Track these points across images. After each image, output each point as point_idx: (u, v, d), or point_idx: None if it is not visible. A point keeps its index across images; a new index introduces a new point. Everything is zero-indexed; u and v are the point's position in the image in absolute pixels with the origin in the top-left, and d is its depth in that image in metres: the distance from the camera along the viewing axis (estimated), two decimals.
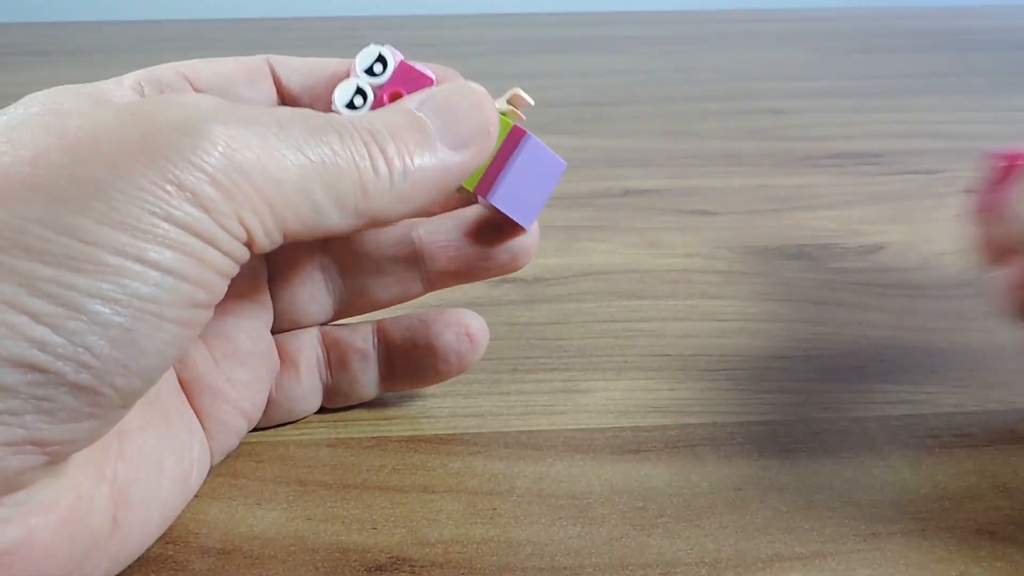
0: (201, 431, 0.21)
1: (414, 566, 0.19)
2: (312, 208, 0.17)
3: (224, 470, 0.22)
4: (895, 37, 0.93)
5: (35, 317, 0.14)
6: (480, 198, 0.21)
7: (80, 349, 0.14)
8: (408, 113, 0.19)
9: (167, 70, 0.21)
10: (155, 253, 0.14)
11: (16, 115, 0.16)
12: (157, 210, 0.14)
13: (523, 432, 0.24)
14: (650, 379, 0.26)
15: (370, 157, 0.17)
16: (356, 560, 0.19)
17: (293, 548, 0.20)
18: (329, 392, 0.24)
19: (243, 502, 0.21)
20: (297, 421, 0.24)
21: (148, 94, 0.20)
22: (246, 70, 0.21)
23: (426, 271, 0.24)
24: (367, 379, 0.24)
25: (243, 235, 0.16)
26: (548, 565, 0.19)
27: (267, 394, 0.23)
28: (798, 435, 0.24)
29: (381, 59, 0.21)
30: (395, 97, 0.21)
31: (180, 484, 0.20)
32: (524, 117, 0.22)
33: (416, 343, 0.24)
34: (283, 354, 0.23)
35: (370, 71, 0.21)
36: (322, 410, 0.25)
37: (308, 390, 0.24)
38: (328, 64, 0.22)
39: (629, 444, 0.23)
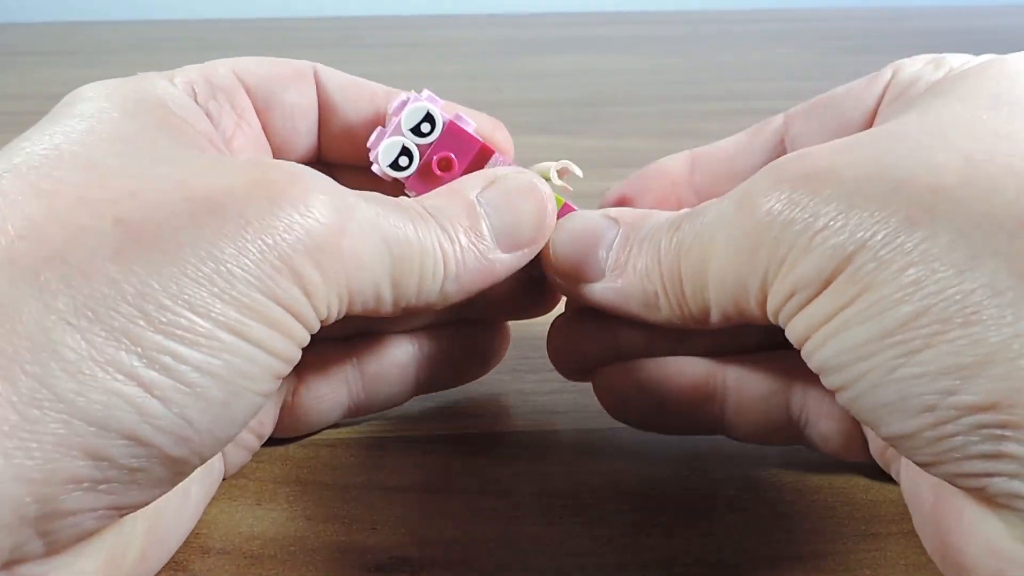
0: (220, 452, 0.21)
1: (414, 566, 0.19)
2: (375, 298, 0.17)
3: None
4: (895, 37, 0.93)
5: (149, 389, 0.14)
6: None
7: (182, 423, 0.14)
8: (469, 208, 0.19)
9: (221, 70, 0.21)
10: (258, 331, 0.15)
11: (136, 159, 0.16)
12: (267, 289, 0.15)
13: (523, 432, 0.24)
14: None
15: (434, 257, 0.18)
16: (356, 560, 0.19)
17: (293, 548, 0.20)
18: (358, 406, 0.23)
19: (243, 502, 0.21)
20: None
21: (202, 97, 0.20)
22: (296, 77, 0.22)
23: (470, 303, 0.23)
24: (406, 389, 0.24)
25: (325, 315, 0.16)
26: (548, 565, 0.19)
27: (276, 410, 0.22)
28: None
29: (429, 118, 0.21)
30: (444, 163, 0.21)
31: (201, 505, 0.20)
32: (572, 188, 0.22)
33: (462, 352, 0.24)
34: (306, 367, 0.22)
35: (416, 130, 0.21)
36: None
37: (330, 405, 0.23)
38: (370, 87, 0.22)
39: (629, 444, 0.23)
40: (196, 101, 0.20)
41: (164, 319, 0.14)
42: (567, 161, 0.22)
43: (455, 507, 0.21)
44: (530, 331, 0.30)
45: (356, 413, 0.24)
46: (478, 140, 0.21)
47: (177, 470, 0.15)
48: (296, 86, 0.22)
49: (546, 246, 0.20)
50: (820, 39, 0.92)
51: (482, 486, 0.22)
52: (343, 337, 0.23)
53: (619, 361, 0.22)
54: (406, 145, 0.21)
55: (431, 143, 0.21)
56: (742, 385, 0.21)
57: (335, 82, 0.22)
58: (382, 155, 0.21)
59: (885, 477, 0.22)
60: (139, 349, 0.14)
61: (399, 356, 0.23)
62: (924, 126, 0.16)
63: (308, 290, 0.15)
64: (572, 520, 0.21)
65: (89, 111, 0.17)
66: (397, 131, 0.21)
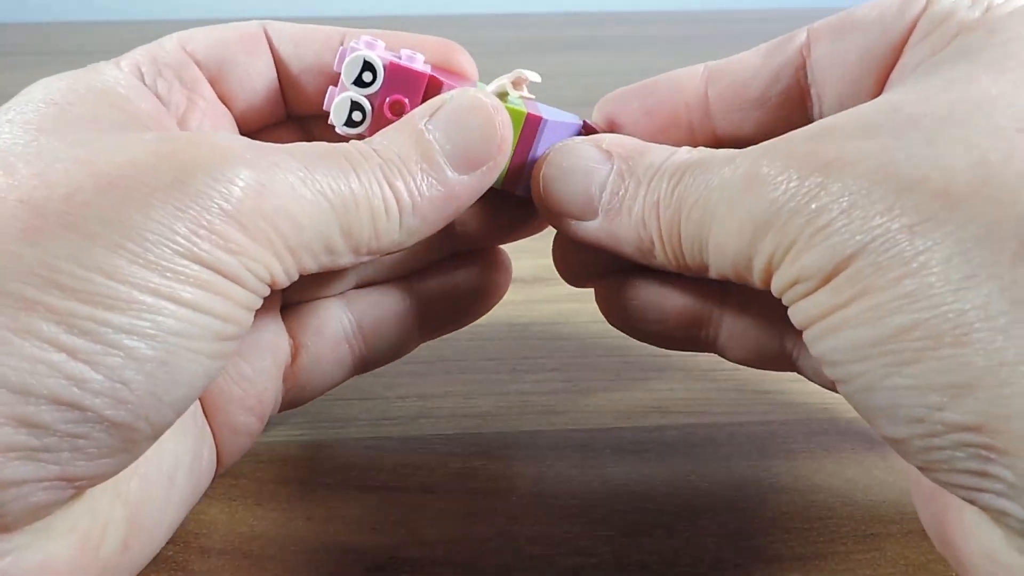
0: (211, 436, 0.20)
1: (414, 566, 0.19)
2: (327, 250, 0.17)
3: (224, 469, 0.22)
4: None
5: (73, 354, 0.14)
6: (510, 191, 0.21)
7: (118, 385, 0.14)
8: (416, 135, 0.18)
9: (168, 46, 0.20)
10: (186, 292, 0.15)
11: (47, 144, 0.16)
12: (188, 252, 0.15)
13: (523, 432, 0.24)
14: (650, 379, 0.26)
15: (383, 197, 0.17)
16: (356, 560, 0.19)
17: (293, 548, 0.20)
18: (363, 360, 0.23)
19: (243, 502, 0.21)
20: (298, 421, 0.24)
21: (149, 78, 0.20)
22: (245, 40, 0.21)
23: (455, 235, 0.23)
24: (408, 338, 0.24)
25: (267, 276, 0.16)
26: (548, 565, 0.19)
27: (277, 385, 0.22)
28: (798, 435, 0.24)
29: (369, 66, 0.20)
30: (397, 106, 0.20)
31: (189, 496, 0.19)
32: (533, 96, 0.21)
33: (459, 290, 0.24)
34: (303, 330, 0.22)
35: (359, 81, 0.20)
36: (322, 410, 0.25)
37: (333, 366, 0.23)
38: (321, 32, 0.22)
39: (629, 444, 0.23)
40: (143, 80, 0.20)
41: (79, 287, 0.14)
42: (519, 70, 0.21)
43: (455, 507, 0.21)
44: (530, 331, 0.30)
45: (363, 368, 0.23)
46: (424, 74, 0.20)
47: (124, 436, 0.15)
48: (246, 49, 0.21)
49: (535, 179, 0.20)
50: None
51: (482, 486, 0.22)
52: (336, 294, 0.23)
53: (620, 272, 0.22)
54: (355, 99, 0.20)
55: (377, 91, 0.20)
56: (737, 315, 0.21)
57: (286, 35, 0.22)
58: (334, 115, 0.20)
59: (885, 477, 0.22)
60: (56, 316, 0.14)
61: (395, 304, 0.23)
62: (944, 108, 0.16)
63: (235, 251, 0.15)
64: (572, 520, 0.21)
65: (16, 104, 0.17)
66: (343, 87, 0.20)
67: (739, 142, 0.20)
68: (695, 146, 0.20)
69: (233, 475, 0.22)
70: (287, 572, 0.19)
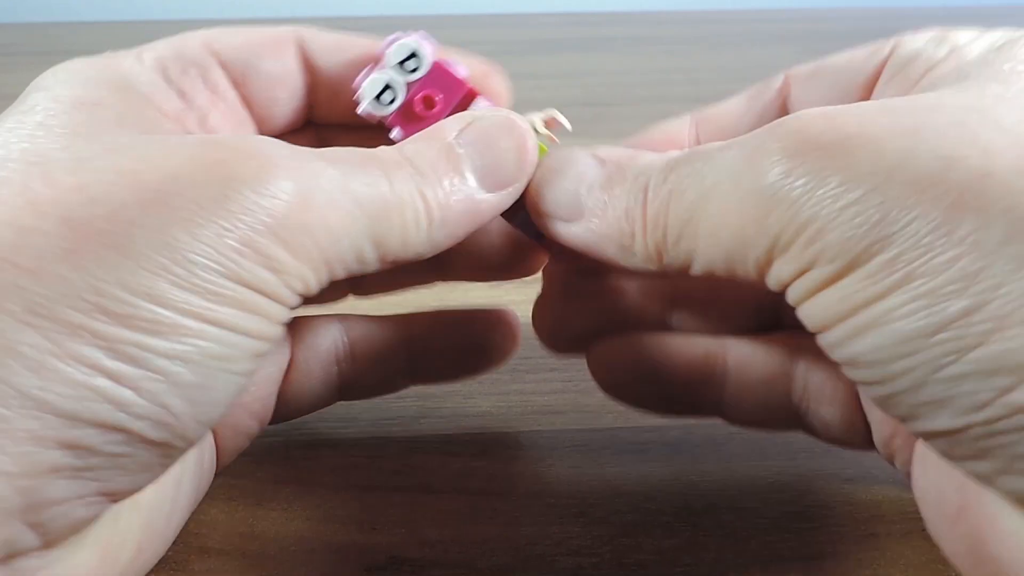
0: (212, 439, 0.20)
1: (414, 566, 0.19)
2: (358, 260, 0.17)
3: (224, 470, 0.22)
4: (895, 37, 0.93)
5: (118, 380, 0.14)
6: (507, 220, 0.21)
7: (160, 409, 0.14)
8: (447, 150, 0.18)
9: (192, 44, 0.20)
10: (228, 315, 0.15)
11: (84, 150, 0.15)
12: (231, 273, 0.15)
13: (523, 432, 0.24)
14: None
15: (415, 208, 0.17)
16: (356, 560, 0.19)
17: (293, 548, 0.20)
18: (348, 386, 0.23)
19: (243, 502, 0.21)
20: (298, 421, 0.24)
21: (173, 75, 0.19)
22: (273, 44, 0.21)
23: (445, 266, 0.23)
24: (395, 373, 0.23)
25: (302, 289, 0.16)
26: (548, 565, 0.19)
27: (276, 390, 0.22)
28: (797, 435, 0.23)
29: (416, 56, 0.20)
30: (427, 102, 0.20)
31: (192, 498, 0.19)
32: (558, 140, 0.21)
33: (456, 341, 0.23)
34: (298, 343, 0.22)
35: (401, 66, 0.20)
36: (322, 410, 0.25)
37: (320, 384, 0.22)
38: (357, 44, 0.22)
39: (629, 444, 0.23)
40: (166, 78, 0.19)
41: (123, 312, 0.14)
42: (553, 110, 0.21)
43: (455, 507, 0.21)
44: (530, 331, 0.30)
45: (348, 395, 0.23)
46: (465, 84, 0.20)
47: (163, 453, 0.15)
48: (273, 55, 0.21)
49: (531, 181, 0.20)
50: (820, 39, 0.92)
51: (482, 486, 0.22)
52: (329, 302, 0.23)
53: (611, 334, 0.21)
54: (390, 83, 0.20)
55: (416, 80, 0.20)
56: (742, 366, 0.20)
57: (321, 44, 0.21)
58: (365, 90, 0.20)
59: (885, 477, 0.22)
60: (101, 342, 0.14)
61: (390, 337, 0.23)
62: (963, 100, 0.15)
63: (276, 268, 0.15)
64: (572, 520, 0.21)
65: (42, 101, 0.17)
66: (382, 67, 0.20)
67: None
68: None
69: (233, 475, 0.22)
70: (287, 572, 0.19)
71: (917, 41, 0.19)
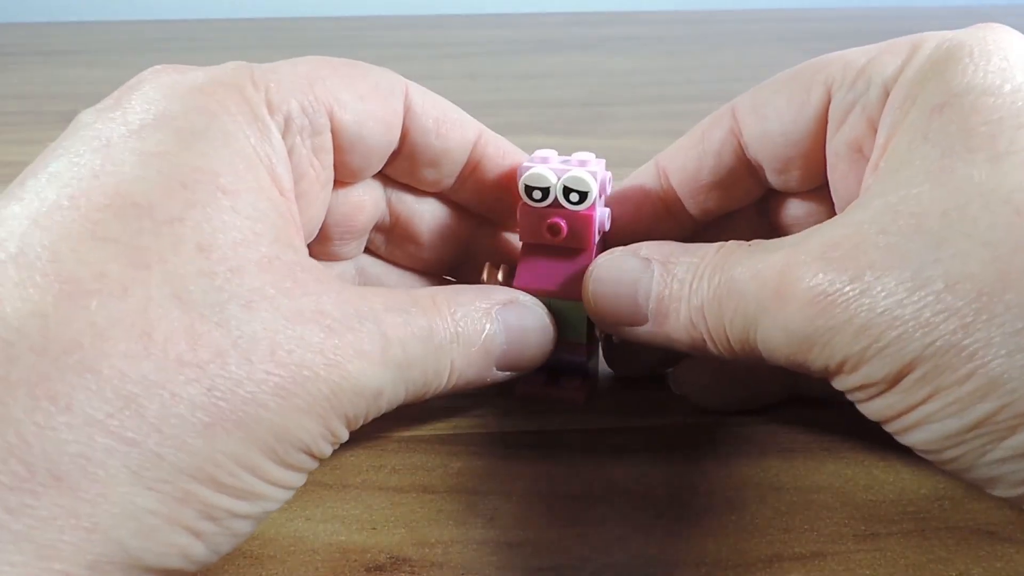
0: None
1: (414, 566, 0.19)
2: (388, 404, 0.19)
3: None
4: (894, 37, 0.93)
5: (198, 535, 0.16)
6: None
7: (213, 555, 0.16)
8: (488, 336, 0.20)
9: (318, 108, 0.20)
10: (296, 480, 0.17)
11: (230, 315, 0.16)
12: (307, 449, 0.17)
13: (523, 432, 0.24)
14: (650, 379, 0.26)
15: (440, 369, 0.19)
16: (356, 560, 0.19)
17: (293, 548, 0.20)
18: None
19: None
20: None
21: (290, 136, 0.19)
22: (387, 116, 0.21)
23: None
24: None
25: (336, 442, 0.18)
26: (548, 565, 0.19)
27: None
28: (798, 435, 0.24)
29: (585, 196, 0.22)
30: (555, 228, 0.22)
31: None
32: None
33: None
34: None
35: (567, 193, 0.22)
36: None
37: None
38: (462, 122, 0.23)
39: (629, 444, 0.23)
40: (289, 145, 0.19)
41: (228, 483, 0.16)
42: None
43: (455, 507, 0.21)
44: None
45: None
46: (594, 246, 0.22)
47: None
48: (385, 130, 0.21)
49: (584, 291, 0.21)
50: (820, 39, 0.92)
51: (482, 486, 0.22)
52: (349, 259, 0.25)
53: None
54: (550, 189, 0.22)
55: (561, 207, 0.22)
56: None
57: (427, 112, 0.22)
58: (527, 177, 0.22)
59: (886, 477, 0.22)
60: (204, 509, 0.16)
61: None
62: (939, 205, 0.17)
63: (332, 441, 0.18)
64: (572, 520, 0.21)
65: (209, 219, 0.17)
66: (553, 175, 0.22)
67: (717, 216, 0.24)
68: (694, 229, 0.24)
69: None
70: (287, 572, 0.19)
71: (849, 93, 0.20)
